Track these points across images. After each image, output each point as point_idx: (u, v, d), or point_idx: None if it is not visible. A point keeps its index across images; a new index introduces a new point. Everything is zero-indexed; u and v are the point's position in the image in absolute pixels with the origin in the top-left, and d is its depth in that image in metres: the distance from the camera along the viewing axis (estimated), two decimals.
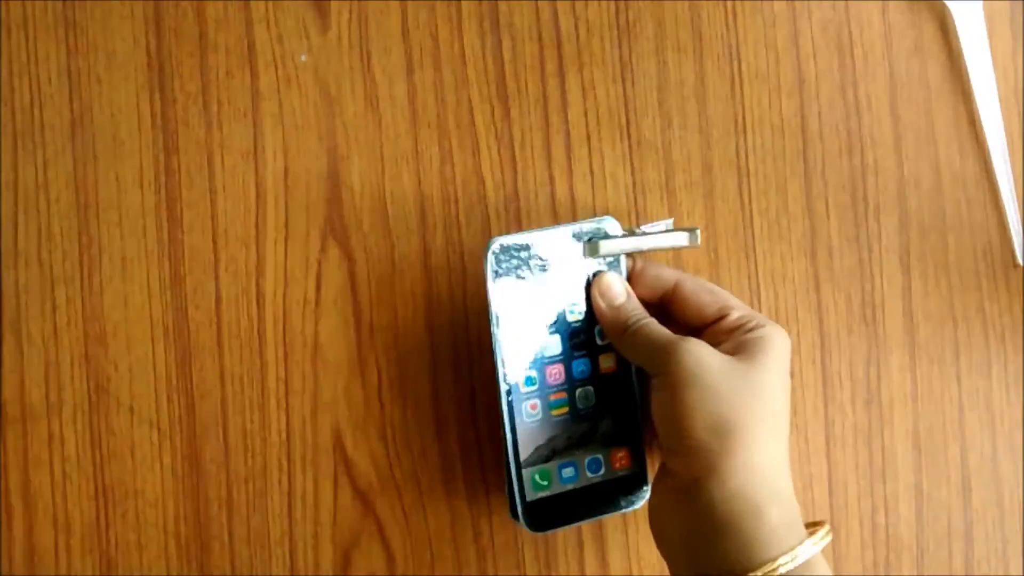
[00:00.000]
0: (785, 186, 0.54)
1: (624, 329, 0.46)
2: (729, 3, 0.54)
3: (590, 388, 0.48)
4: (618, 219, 0.49)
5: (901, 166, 0.54)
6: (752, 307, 0.54)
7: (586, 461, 0.48)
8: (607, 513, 0.49)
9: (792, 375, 0.51)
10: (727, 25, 0.54)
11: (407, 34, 0.53)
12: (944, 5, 0.54)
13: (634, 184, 0.53)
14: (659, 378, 0.43)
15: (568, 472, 0.48)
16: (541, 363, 0.47)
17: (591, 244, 0.48)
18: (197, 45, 0.52)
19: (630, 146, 0.54)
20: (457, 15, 0.53)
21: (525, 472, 0.47)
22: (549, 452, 0.47)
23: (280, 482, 0.51)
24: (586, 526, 0.53)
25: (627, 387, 0.49)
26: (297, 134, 0.52)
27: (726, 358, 0.43)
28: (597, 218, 0.48)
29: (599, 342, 0.48)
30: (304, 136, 0.52)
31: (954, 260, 0.55)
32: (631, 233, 0.48)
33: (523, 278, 0.47)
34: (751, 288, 0.54)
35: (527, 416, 0.47)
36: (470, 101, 0.53)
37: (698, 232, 0.48)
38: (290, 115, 0.52)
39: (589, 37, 0.53)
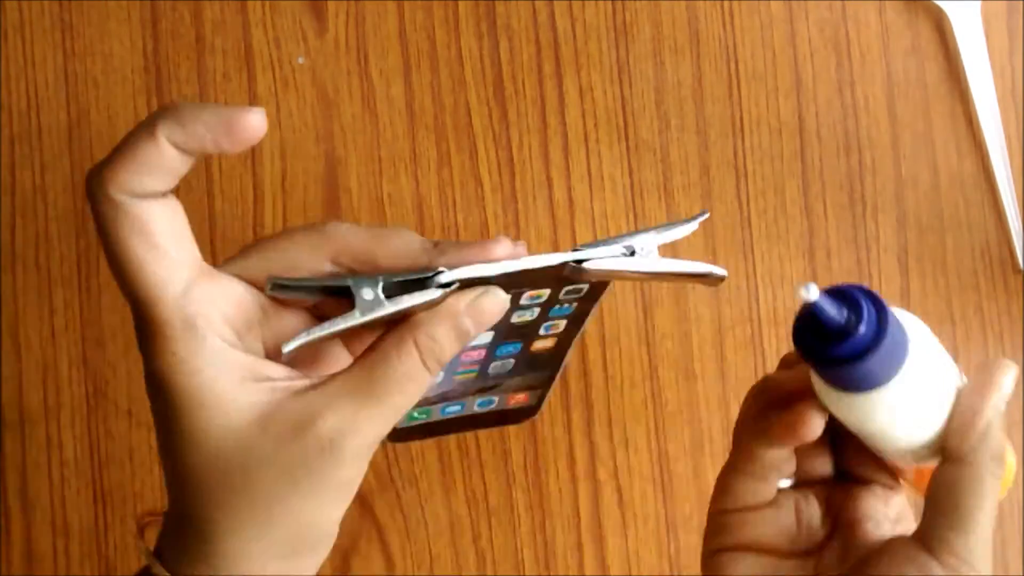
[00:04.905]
0: (783, 187, 0.54)
1: None
2: (726, 4, 0.54)
3: (510, 362, 0.40)
4: (616, 219, 0.49)
5: (899, 166, 0.54)
6: (751, 308, 0.54)
7: (476, 401, 0.41)
8: (480, 428, 0.43)
9: None
10: (724, 26, 0.54)
11: (404, 36, 0.53)
12: (939, 7, 0.54)
13: (632, 185, 0.53)
14: None
15: (453, 408, 0.41)
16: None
17: (578, 270, 0.34)
18: (194, 48, 0.52)
19: (628, 147, 0.54)
20: (454, 17, 0.53)
21: None
22: (437, 399, 0.40)
23: None
24: (585, 527, 0.53)
25: (557, 358, 0.40)
26: (294, 136, 0.52)
27: None
28: (602, 247, 0.34)
29: (542, 333, 0.38)
30: (301, 138, 0.52)
31: (952, 260, 0.55)
32: (636, 254, 0.35)
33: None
34: (749, 289, 0.54)
35: None
36: (467, 103, 0.53)
37: (723, 280, 0.35)
38: (287, 118, 0.52)
39: (586, 39, 0.53)
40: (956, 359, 0.55)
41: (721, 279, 0.35)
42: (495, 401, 0.41)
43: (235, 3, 0.53)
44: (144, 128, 0.28)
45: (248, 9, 0.53)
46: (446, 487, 0.52)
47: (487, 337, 0.38)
